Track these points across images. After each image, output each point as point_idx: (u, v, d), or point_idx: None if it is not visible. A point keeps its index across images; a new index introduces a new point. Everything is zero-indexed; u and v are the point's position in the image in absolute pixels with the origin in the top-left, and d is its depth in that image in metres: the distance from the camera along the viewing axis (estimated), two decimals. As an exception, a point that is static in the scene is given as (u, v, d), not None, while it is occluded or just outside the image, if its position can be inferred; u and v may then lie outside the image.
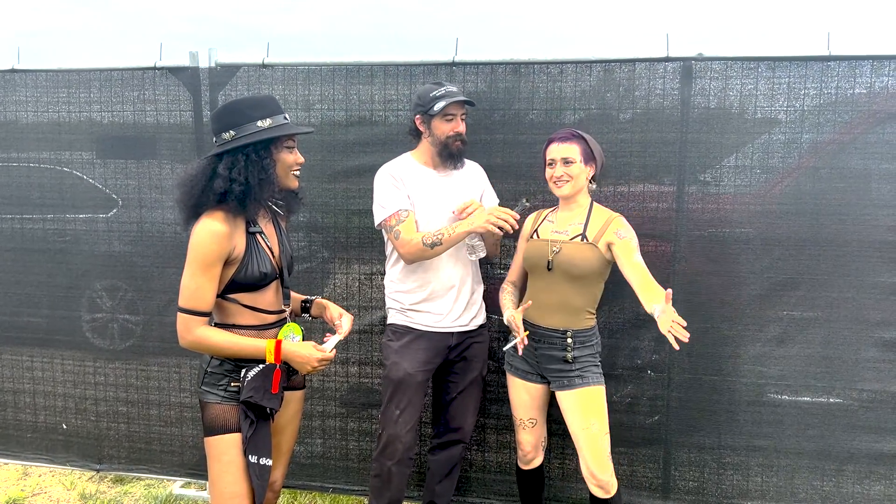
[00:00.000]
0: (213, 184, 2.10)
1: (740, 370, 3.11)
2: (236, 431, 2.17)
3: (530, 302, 2.73)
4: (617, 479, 2.75)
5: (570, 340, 2.68)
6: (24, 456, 3.91)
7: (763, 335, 3.07)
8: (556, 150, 2.68)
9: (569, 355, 2.68)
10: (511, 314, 2.69)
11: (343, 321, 2.41)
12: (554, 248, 2.70)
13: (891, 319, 2.98)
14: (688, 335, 2.22)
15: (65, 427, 3.84)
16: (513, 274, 2.96)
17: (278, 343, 2.19)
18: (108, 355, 3.75)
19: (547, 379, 2.79)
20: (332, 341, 2.32)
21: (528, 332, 2.67)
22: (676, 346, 2.27)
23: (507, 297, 2.87)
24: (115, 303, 3.73)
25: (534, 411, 2.86)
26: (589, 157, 2.69)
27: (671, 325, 2.23)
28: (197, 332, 2.11)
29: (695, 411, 3.17)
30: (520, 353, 2.67)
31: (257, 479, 2.17)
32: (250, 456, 2.16)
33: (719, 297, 3.08)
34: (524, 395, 2.85)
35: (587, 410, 2.67)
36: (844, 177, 2.94)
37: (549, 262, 2.70)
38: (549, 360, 2.73)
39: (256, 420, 2.19)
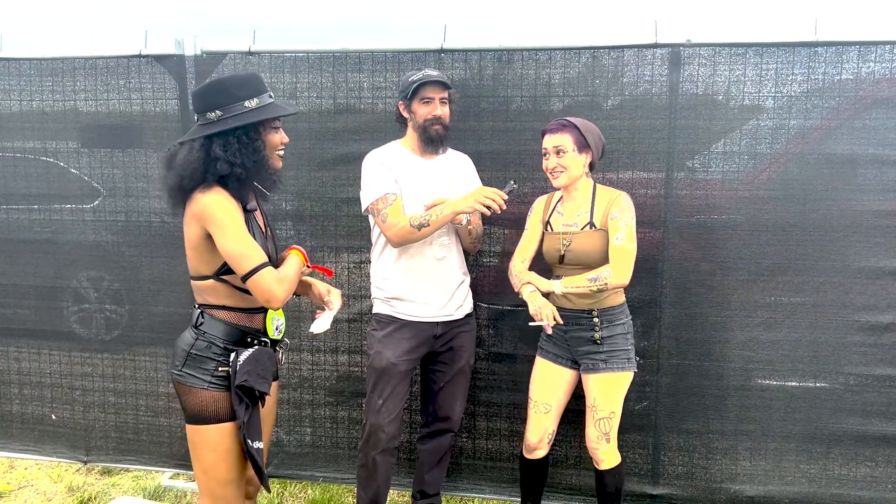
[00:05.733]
0: (215, 166, 2.05)
1: (728, 355, 3.13)
2: (228, 420, 2.14)
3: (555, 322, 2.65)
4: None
5: (596, 320, 2.70)
6: (11, 448, 3.88)
7: (751, 320, 3.09)
8: (548, 141, 2.69)
9: (597, 335, 2.70)
10: (544, 312, 2.60)
11: (332, 297, 2.41)
12: (564, 242, 2.72)
13: (876, 303, 3.01)
14: (550, 324, 2.58)
15: (54, 417, 3.81)
16: (524, 253, 2.86)
17: (297, 248, 2.31)
18: (96, 346, 3.73)
19: (577, 363, 2.81)
20: (325, 318, 2.33)
21: (556, 323, 2.62)
22: (549, 329, 2.59)
23: (523, 269, 2.80)
24: (103, 293, 3.70)
25: (552, 397, 2.86)
26: (583, 144, 2.68)
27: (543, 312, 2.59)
28: (281, 276, 2.11)
29: (683, 397, 3.19)
30: (549, 331, 2.64)
31: (259, 463, 2.14)
32: (252, 442, 2.13)
33: (707, 283, 3.10)
34: (547, 378, 2.86)
35: (600, 394, 2.74)
36: (831, 162, 2.96)
37: (561, 255, 2.72)
38: (579, 341, 2.75)
39: (251, 404, 2.15)
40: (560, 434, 3.27)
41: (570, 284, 2.66)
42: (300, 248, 2.34)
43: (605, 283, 2.63)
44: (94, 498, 3.51)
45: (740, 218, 3.04)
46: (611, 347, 2.73)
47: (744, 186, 3.03)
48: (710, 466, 3.22)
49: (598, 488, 2.88)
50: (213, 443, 2.14)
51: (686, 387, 3.18)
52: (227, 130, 2.07)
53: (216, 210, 2.04)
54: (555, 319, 2.60)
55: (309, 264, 2.36)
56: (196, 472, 2.20)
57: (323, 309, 2.41)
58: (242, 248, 2.04)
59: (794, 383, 3.11)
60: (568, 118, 2.71)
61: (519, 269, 2.84)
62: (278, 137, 2.20)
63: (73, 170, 3.61)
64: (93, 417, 3.77)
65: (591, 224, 2.71)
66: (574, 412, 3.06)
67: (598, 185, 2.79)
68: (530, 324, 2.67)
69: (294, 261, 2.25)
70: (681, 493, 3.25)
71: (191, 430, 2.16)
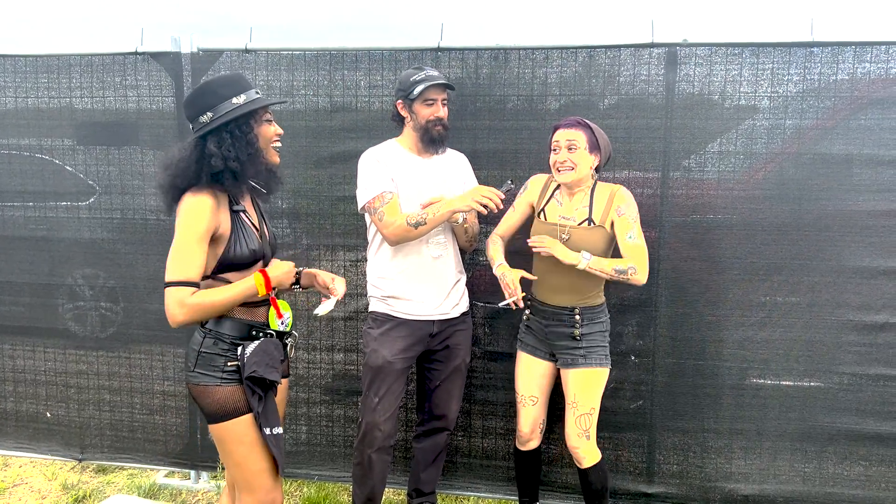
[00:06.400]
0: (209, 162, 2.09)
1: (723, 354, 3.13)
2: (248, 412, 2.16)
3: (536, 278, 2.76)
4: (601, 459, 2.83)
5: (577, 317, 2.72)
6: (6, 445, 3.87)
7: (746, 320, 3.10)
8: (560, 135, 2.69)
9: (577, 332, 2.72)
10: (509, 277, 2.68)
11: (336, 284, 2.43)
12: (563, 236, 2.72)
13: (871, 303, 3.02)
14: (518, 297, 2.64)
15: (48, 415, 3.80)
16: (502, 228, 2.94)
17: (263, 272, 2.19)
18: (91, 343, 3.72)
19: (555, 357, 2.82)
20: (329, 302, 2.37)
21: (524, 295, 2.68)
22: (519, 304, 2.63)
23: (496, 248, 2.86)
24: (98, 290, 3.69)
25: (536, 389, 2.89)
26: (594, 146, 2.69)
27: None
28: (191, 301, 2.04)
29: (678, 396, 3.19)
30: (517, 307, 2.68)
31: (276, 449, 2.19)
32: (266, 429, 2.17)
33: (703, 282, 3.11)
34: (529, 371, 2.89)
35: (580, 389, 2.75)
36: (826, 162, 2.97)
37: None
38: (558, 336, 2.77)
39: (263, 394, 2.19)
40: (555, 432, 3.27)
41: (596, 266, 2.63)
42: (268, 275, 2.19)
43: (628, 278, 2.64)
44: (89, 496, 3.50)
45: (736, 217, 3.05)
46: (589, 344, 2.75)
47: (739, 186, 3.04)
48: (705, 465, 3.22)
49: (583, 488, 2.89)
50: (238, 436, 2.16)
51: (681, 386, 3.18)
52: (220, 126, 2.12)
53: (185, 214, 2.08)
54: (519, 293, 2.66)
55: (270, 293, 2.21)
56: (229, 469, 2.23)
57: (328, 296, 2.44)
58: (175, 260, 2.06)
59: (788, 382, 3.12)
60: (580, 118, 2.72)
61: (495, 247, 2.87)
62: (272, 129, 2.25)
63: (68, 167, 3.60)
64: (88, 415, 3.76)
65: (590, 220, 2.72)
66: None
67: (597, 182, 2.80)
68: (500, 304, 2.73)
69: (239, 286, 2.15)
70: (676, 492, 3.26)
71: (214, 429, 2.18)
